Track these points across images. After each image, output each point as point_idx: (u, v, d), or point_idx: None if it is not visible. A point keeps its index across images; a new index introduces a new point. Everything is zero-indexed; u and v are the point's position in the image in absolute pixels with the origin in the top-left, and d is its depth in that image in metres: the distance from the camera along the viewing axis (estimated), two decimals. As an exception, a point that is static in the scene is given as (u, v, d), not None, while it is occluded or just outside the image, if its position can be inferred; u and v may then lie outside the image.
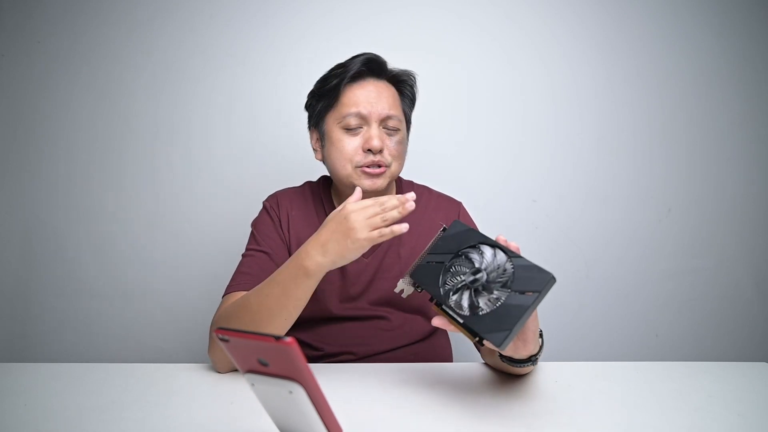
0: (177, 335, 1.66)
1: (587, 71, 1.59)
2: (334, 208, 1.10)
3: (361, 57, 1.02)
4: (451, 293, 0.74)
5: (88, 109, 1.60)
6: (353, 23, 1.57)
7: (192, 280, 1.63)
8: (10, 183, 1.63)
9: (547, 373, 0.90)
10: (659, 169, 1.62)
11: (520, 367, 0.81)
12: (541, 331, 0.81)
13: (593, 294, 1.64)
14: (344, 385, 0.86)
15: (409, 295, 0.83)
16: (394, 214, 0.76)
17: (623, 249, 1.63)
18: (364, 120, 1.00)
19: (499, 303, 0.69)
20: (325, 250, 0.79)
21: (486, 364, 0.95)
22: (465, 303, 0.72)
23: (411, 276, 0.80)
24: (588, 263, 1.64)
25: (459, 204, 1.14)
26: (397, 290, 0.82)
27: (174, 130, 1.60)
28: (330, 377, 0.88)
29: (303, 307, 0.85)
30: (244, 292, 0.95)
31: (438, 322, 0.74)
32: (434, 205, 1.12)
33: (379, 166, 0.99)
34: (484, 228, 1.13)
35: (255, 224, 1.09)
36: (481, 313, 0.70)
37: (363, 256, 1.05)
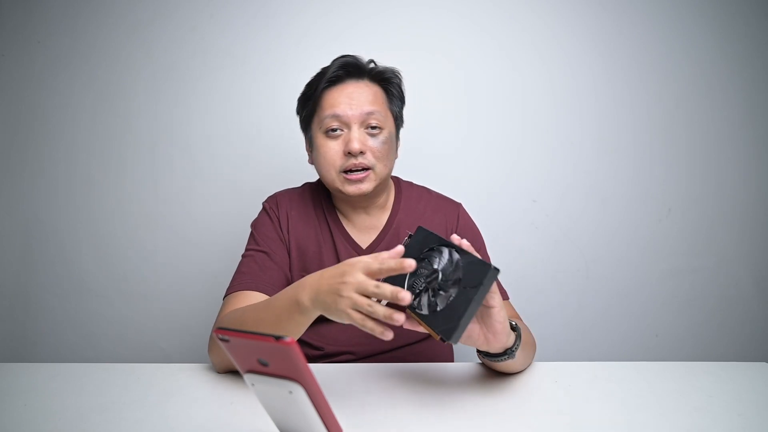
0: (177, 335, 1.66)
1: (587, 71, 1.59)
2: (333, 209, 1.10)
3: (339, 60, 1.02)
4: (414, 295, 0.77)
5: (88, 109, 1.60)
6: (354, 23, 1.57)
7: (192, 280, 1.63)
8: (10, 183, 1.63)
9: (547, 373, 0.90)
10: (659, 169, 1.62)
11: (499, 361, 0.81)
12: (516, 325, 0.82)
13: (593, 294, 1.64)
14: (344, 385, 0.86)
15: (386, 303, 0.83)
16: (378, 311, 0.67)
17: (623, 249, 1.63)
18: (344, 123, 0.99)
19: (450, 299, 0.72)
20: (316, 296, 0.74)
21: (482, 363, 0.95)
22: (424, 303, 0.75)
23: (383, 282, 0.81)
24: (588, 263, 1.64)
25: (459, 205, 1.14)
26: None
27: (174, 130, 1.60)
28: (330, 377, 0.88)
29: (299, 336, 0.81)
30: (246, 292, 0.95)
31: (408, 324, 0.75)
32: (434, 206, 1.12)
33: (363, 169, 0.99)
34: (483, 228, 1.14)
35: (254, 225, 1.09)
36: (438, 310, 0.73)
37: (361, 255, 1.05)
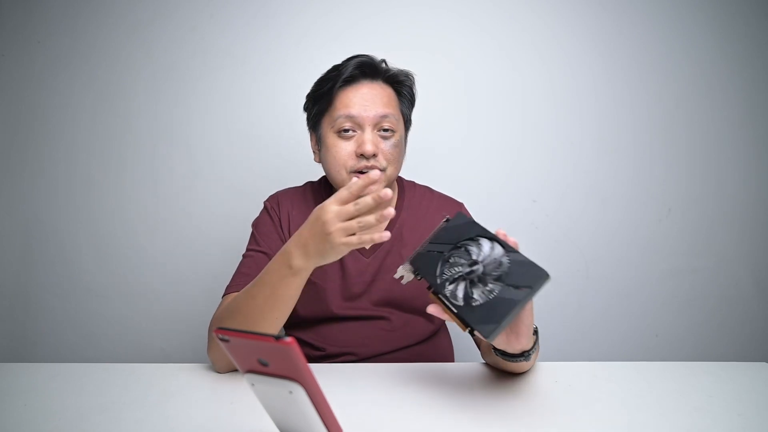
0: (177, 335, 1.66)
1: (587, 71, 1.59)
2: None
3: (354, 60, 1.01)
4: (447, 283, 0.75)
5: (88, 109, 1.60)
6: (354, 23, 1.57)
7: (192, 280, 1.63)
8: (10, 183, 1.63)
9: (547, 373, 0.90)
10: (659, 169, 1.62)
11: (514, 362, 0.81)
12: (536, 328, 0.82)
13: (593, 294, 1.64)
14: (345, 385, 0.86)
15: (408, 282, 0.83)
16: (370, 220, 0.73)
17: (623, 249, 1.63)
18: (357, 124, 0.99)
19: (492, 295, 0.70)
20: (307, 251, 0.77)
21: (485, 363, 0.95)
22: (460, 293, 0.73)
23: (411, 263, 0.81)
24: (588, 263, 1.64)
25: (460, 204, 1.14)
26: (396, 276, 0.83)
27: (174, 130, 1.60)
28: (330, 377, 0.87)
29: (294, 304, 0.84)
30: None
31: (433, 309, 0.75)
32: (436, 206, 1.12)
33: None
34: (484, 228, 1.14)
35: (255, 224, 1.08)
36: (474, 304, 0.71)
37: (364, 255, 1.05)
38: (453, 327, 1.16)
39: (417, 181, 1.18)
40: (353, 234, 0.74)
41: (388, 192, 0.71)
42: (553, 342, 1.63)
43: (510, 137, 1.60)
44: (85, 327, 1.66)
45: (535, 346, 0.81)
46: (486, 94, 1.59)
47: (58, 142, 1.61)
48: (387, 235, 0.73)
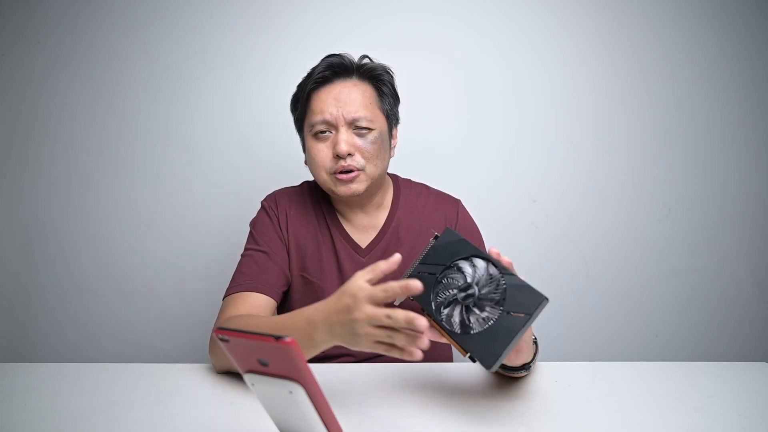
0: (177, 335, 1.66)
1: (587, 71, 1.59)
2: (332, 208, 1.09)
3: (325, 61, 1.01)
4: (442, 307, 0.73)
5: (88, 109, 1.60)
6: (354, 23, 1.56)
7: (192, 280, 1.63)
8: (10, 183, 1.63)
9: (547, 373, 0.90)
10: (659, 169, 1.62)
11: (514, 373, 0.81)
12: (535, 338, 0.82)
13: (593, 294, 1.64)
14: (344, 385, 0.86)
15: (401, 302, 0.82)
16: (400, 342, 0.66)
17: (623, 249, 1.63)
18: (331, 125, 0.99)
19: (490, 323, 0.68)
20: (332, 333, 0.72)
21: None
22: (456, 319, 0.71)
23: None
24: (588, 263, 1.64)
25: (458, 201, 1.14)
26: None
27: (174, 130, 1.60)
28: (330, 377, 0.88)
29: None
30: (246, 293, 0.95)
31: (429, 335, 0.72)
32: (433, 204, 1.11)
33: (351, 171, 0.98)
34: (483, 228, 1.14)
35: (254, 224, 1.08)
36: (472, 332, 0.69)
37: (360, 255, 1.05)
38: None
39: (415, 180, 1.18)
40: (382, 342, 0.68)
41: (419, 285, 0.65)
42: (553, 342, 1.63)
43: (510, 137, 1.60)
44: (85, 327, 1.66)
45: (536, 358, 0.82)
46: (486, 94, 1.59)
47: (58, 142, 1.61)
48: (419, 355, 0.66)
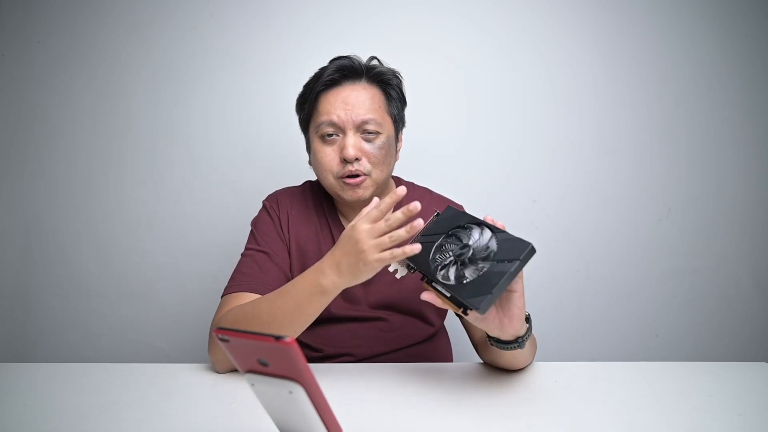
0: (177, 335, 1.66)
1: (587, 71, 1.59)
2: (334, 208, 1.09)
3: (335, 63, 1.01)
4: (439, 268, 0.77)
5: (88, 109, 1.60)
6: (354, 23, 1.57)
7: (192, 280, 1.63)
8: (10, 183, 1.63)
9: (547, 373, 0.90)
10: (659, 169, 1.62)
11: (509, 349, 0.82)
12: (529, 315, 0.82)
13: (593, 294, 1.64)
14: (344, 385, 0.86)
15: (402, 277, 0.85)
16: (402, 234, 0.72)
17: (623, 249, 1.63)
18: (339, 128, 0.98)
19: (482, 271, 0.72)
20: (340, 270, 0.77)
21: (484, 363, 0.95)
22: (452, 275, 0.76)
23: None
24: (588, 263, 1.64)
25: (460, 207, 1.14)
26: (391, 269, 0.84)
27: (174, 130, 1.60)
28: (330, 377, 0.88)
29: (312, 321, 0.84)
30: (245, 293, 0.95)
31: (427, 296, 0.77)
32: (435, 208, 1.11)
33: (358, 176, 0.98)
34: (484, 228, 1.14)
35: (255, 224, 1.08)
36: (465, 282, 0.73)
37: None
38: (453, 328, 1.16)
39: (417, 182, 1.18)
40: (385, 249, 0.74)
41: (417, 205, 0.73)
42: (553, 342, 1.63)
43: (510, 137, 1.60)
44: (85, 327, 1.66)
45: (529, 333, 0.82)
46: (486, 94, 1.59)
47: (58, 142, 1.61)
48: (417, 247, 0.72)
